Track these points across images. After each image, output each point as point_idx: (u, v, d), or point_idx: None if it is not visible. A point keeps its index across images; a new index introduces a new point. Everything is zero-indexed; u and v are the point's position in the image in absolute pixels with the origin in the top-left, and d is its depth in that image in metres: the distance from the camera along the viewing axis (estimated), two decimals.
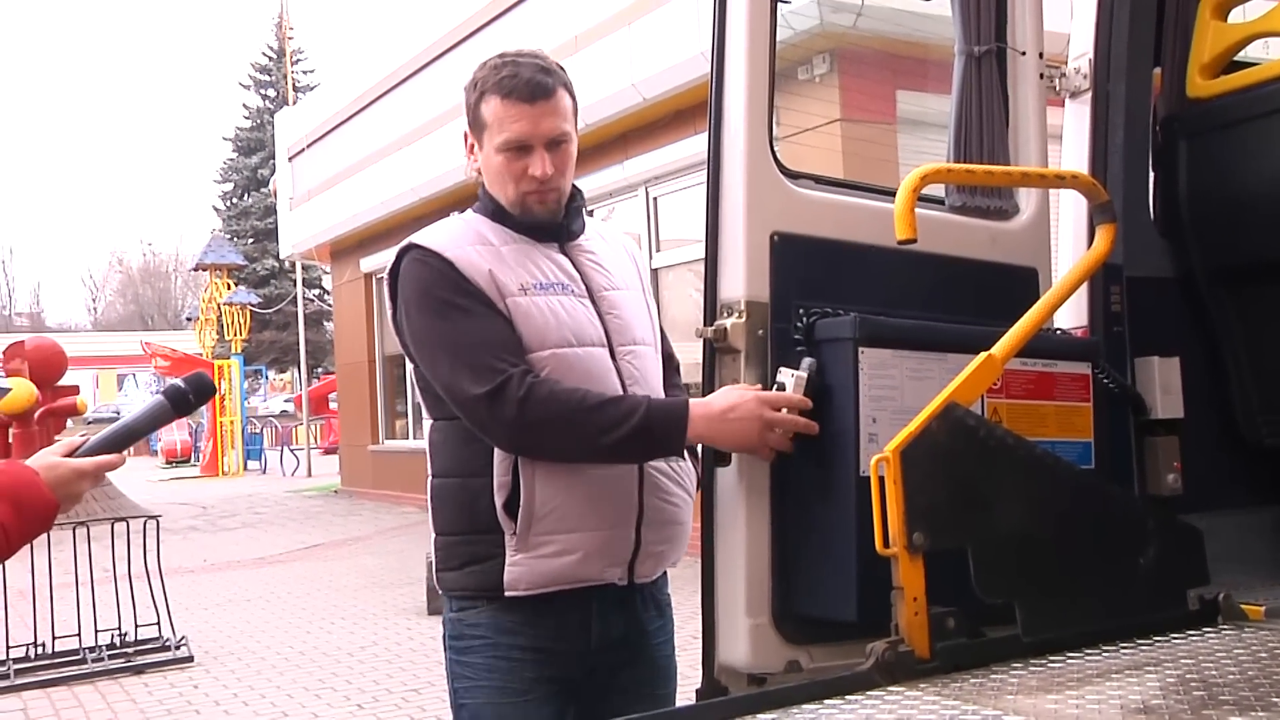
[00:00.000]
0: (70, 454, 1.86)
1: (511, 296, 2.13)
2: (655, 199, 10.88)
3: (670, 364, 2.42)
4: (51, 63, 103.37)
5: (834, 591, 2.07)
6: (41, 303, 66.36)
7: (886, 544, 1.82)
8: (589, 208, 2.45)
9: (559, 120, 2.19)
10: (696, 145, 9.95)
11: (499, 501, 2.12)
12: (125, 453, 1.89)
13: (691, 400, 2.10)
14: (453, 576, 2.21)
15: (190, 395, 1.97)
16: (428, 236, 2.20)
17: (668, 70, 9.51)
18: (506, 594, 2.13)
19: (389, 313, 2.25)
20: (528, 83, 2.16)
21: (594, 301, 2.22)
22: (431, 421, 2.25)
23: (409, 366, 2.27)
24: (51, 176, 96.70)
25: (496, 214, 2.24)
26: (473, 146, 2.27)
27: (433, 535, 2.26)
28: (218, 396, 25.10)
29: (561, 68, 2.25)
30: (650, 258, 10.87)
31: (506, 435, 2.07)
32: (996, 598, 1.88)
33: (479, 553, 2.15)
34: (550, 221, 2.24)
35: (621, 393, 2.15)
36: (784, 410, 2.05)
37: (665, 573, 2.35)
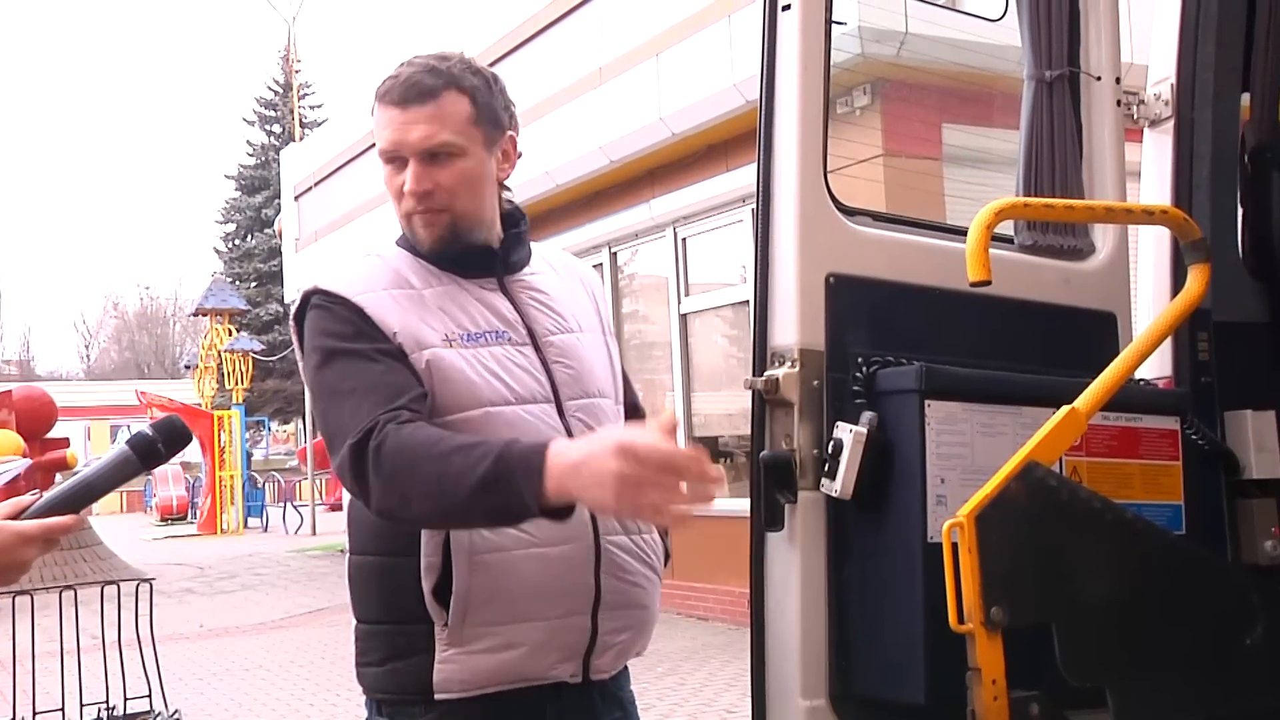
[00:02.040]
0: (17, 515, 1.70)
1: (431, 348, 1.94)
2: (684, 240, 10.86)
3: (636, 415, 2.19)
4: (46, 97, 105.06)
5: (900, 671, 1.99)
6: (31, 350, 66.95)
7: (961, 619, 1.76)
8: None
9: (436, 128, 1.96)
10: (728, 183, 9.95)
11: (427, 586, 1.90)
12: (83, 514, 1.72)
13: (554, 447, 1.72)
14: (373, 674, 1.99)
15: (160, 444, 1.77)
16: (334, 279, 2.01)
17: (698, 103, 9.52)
18: (437, 697, 1.92)
19: (301, 365, 2.05)
20: (403, 84, 1.98)
21: (537, 349, 2.02)
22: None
23: None
24: (44, 216, 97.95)
25: (415, 247, 2.06)
26: None
27: (353, 623, 2.05)
28: (216, 449, 25.21)
29: (476, 69, 2.05)
30: (678, 302, 10.84)
31: (375, 496, 1.81)
32: (1085, 681, 1.80)
33: (403, 646, 1.94)
34: (478, 250, 2.04)
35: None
36: (653, 464, 1.62)
37: (626, 667, 2.11)
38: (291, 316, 2.07)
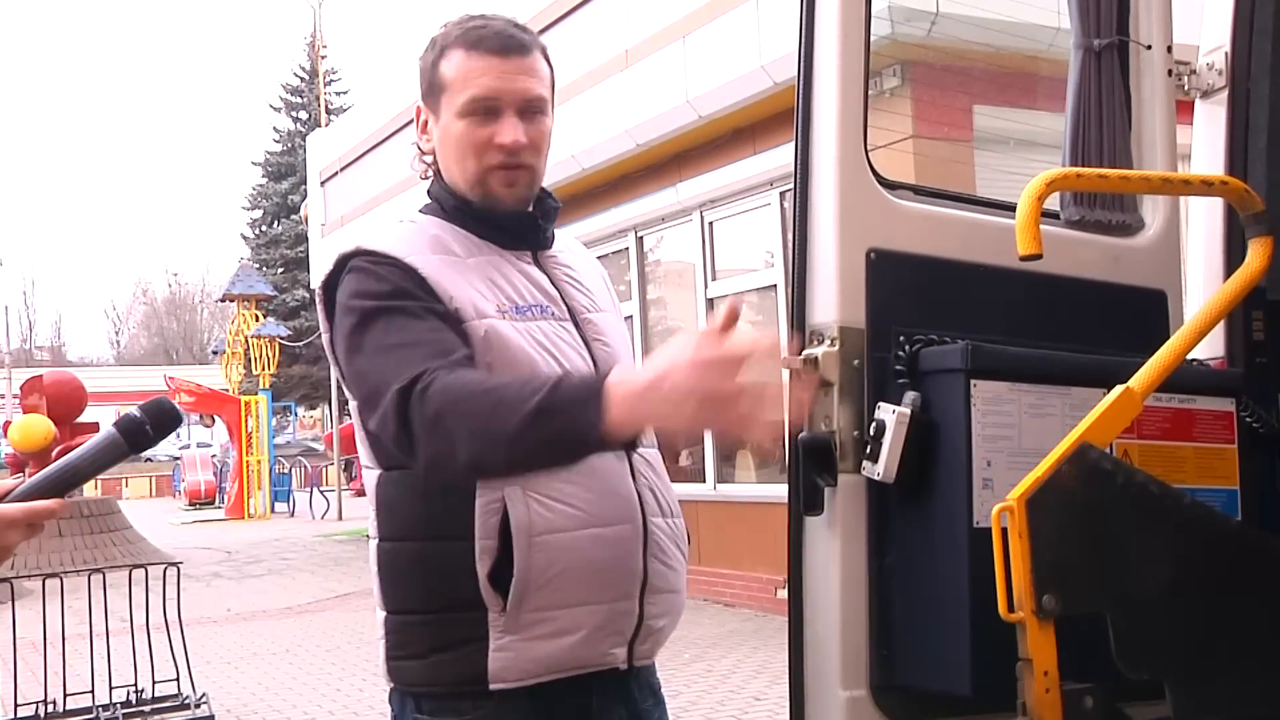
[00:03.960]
0: (0, 499, 1.63)
1: (488, 318, 1.84)
2: (711, 224, 10.77)
3: None
4: (75, 88, 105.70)
5: (945, 661, 1.91)
6: (63, 336, 67.47)
7: (1011, 608, 1.68)
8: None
9: (535, 82, 1.92)
10: (756, 166, 9.86)
11: (482, 571, 1.80)
12: (66, 497, 1.64)
13: (615, 372, 1.56)
14: (414, 667, 1.87)
15: (148, 427, 1.66)
16: (379, 240, 1.90)
17: (725, 86, 9.42)
18: (491, 686, 1.82)
19: (325, 338, 1.94)
20: (499, 34, 1.91)
21: (577, 326, 1.96)
22: (380, 472, 1.91)
23: None
24: (74, 205, 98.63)
25: (456, 212, 1.96)
26: (426, 123, 2.00)
27: (380, 614, 1.92)
28: (244, 434, 25.30)
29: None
30: (705, 287, 10.76)
31: (420, 443, 1.66)
32: (1142, 673, 1.72)
33: (452, 636, 1.83)
34: (520, 216, 1.97)
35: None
36: (736, 371, 1.45)
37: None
38: (322, 282, 1.93)
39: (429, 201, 2.01)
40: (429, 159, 2.01)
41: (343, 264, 1.89)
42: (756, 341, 1.47)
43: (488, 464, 1.67)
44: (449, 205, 1.97)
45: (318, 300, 1.96)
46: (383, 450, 1.87)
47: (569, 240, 2.12)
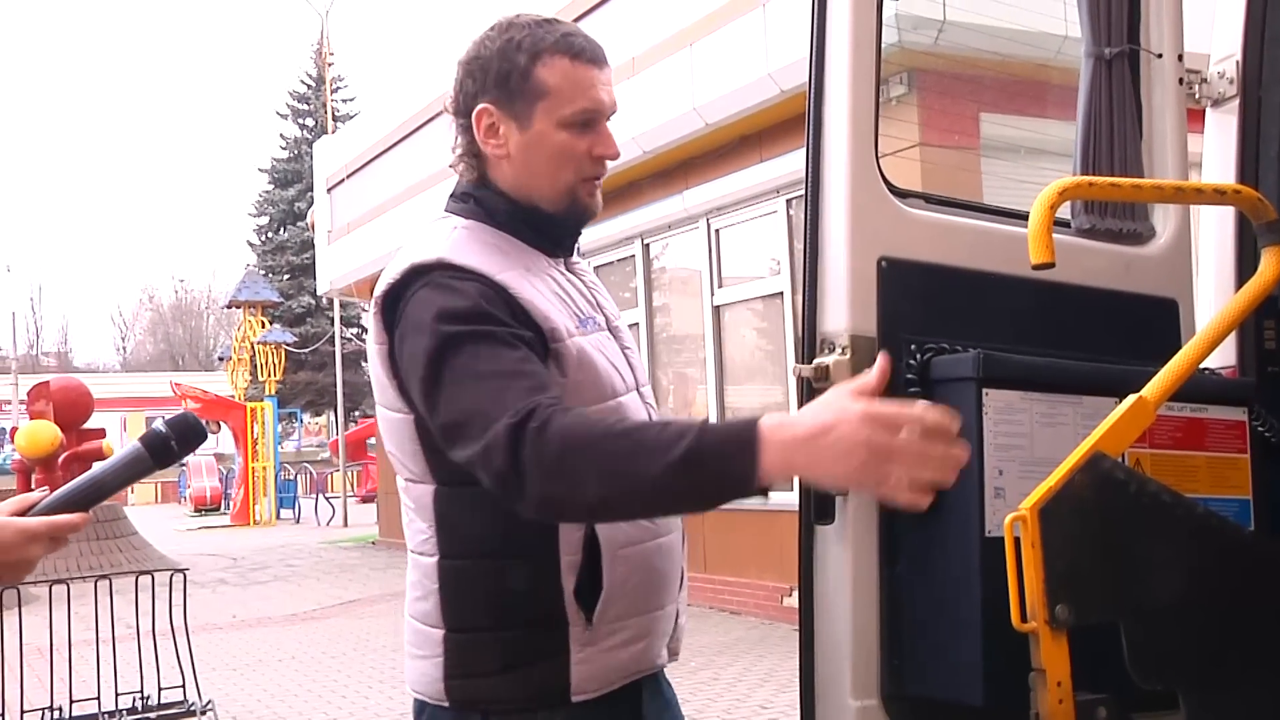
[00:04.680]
0: (23, 512, 1.62)
1: (574, 337, 1.83)
2: (717, 231, 10.77)
3: None
4: (81, 94, 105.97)
5: (956, 670, 1.90)
6: (69, 342, 67.58)
7: (1024, 618, 1.67)
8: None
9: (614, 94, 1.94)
10: (762, 174, 9.86)
11: (569, 586, 1.79)
12: (90, 512, 1.63)
13: (767, 419, 1.54)
14: (482, 684, 1.83)
15: (173, 442, 1.67)
16: (459, 253, 1.82)
17: (732, 93, 9.42)
18: (575, 699, 1.82)
19: (378, 349, 1.85)
20: (592, 44, 1.89)
21: (613, 335, 1.97)
22: (435, 488, 1.85)
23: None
24: (81, 211, 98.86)
25: (509, 218, 1.90)
26: (494, 126, 1.89)
27: (437, 632, 1.86)
28: (249, 441, 25.31)
29: None
30: (711, 294, 10.75)
31: (536, 481, 1.59)
32: (1156, 684, 1.71)
33: (529, 651, 1.81)
34: (570, 225, 1.96)
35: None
36: (905, 431, 1.47)
37: None
38: (386, 290, 1.82)
39: (464, 204, 1.94)
40: (473, 162, 1.94)
41: (415, 275, 1.80)
42: (931, 410, 1.50)
43: (619, 506, 1.65)
44: (500, 210, 1.91)
45: (374, 308, 1.86)
46: (441, 465, 1.81)
47: None
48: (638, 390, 1.96)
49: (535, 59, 1.86)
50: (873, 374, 1.55)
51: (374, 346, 1.87)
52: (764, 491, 1.55)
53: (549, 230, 1.93)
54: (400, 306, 1.80)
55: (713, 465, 1.53)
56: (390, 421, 1.88)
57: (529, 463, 1.58)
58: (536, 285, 1.84)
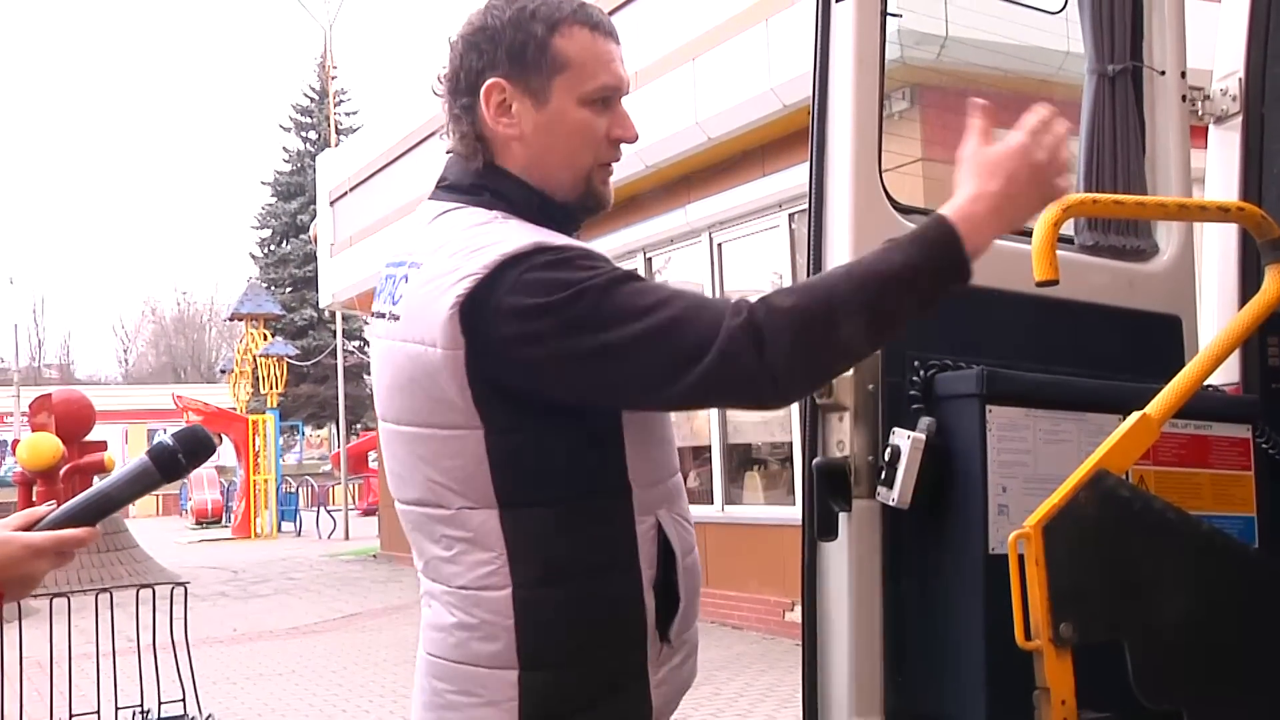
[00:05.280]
0: (30, 526, 1.59)
1: None
2: (720, 245, 10.78)
3: None
4: (84, 106, 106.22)
5: (959, 688, 1.90)
6: (71, 354, 67.55)
7: (1028, 635, 1.66)
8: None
9: None
10: (765, 188, 9.86)
11: (651, 603, 1.66)
12: (98, 526, 1.61)
13: (950, 209, 1.64)
14: None
15: (180, 456, 1.62)
16: (543, 236, 1.64)
17: (735, 108, 9.44)
18: None
19: (447, 354, 1.60)
20: (608, 19, 1.74)
21: None
22: (499, 511, 1.64)
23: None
24: (84, 223, 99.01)
25: (532, 208, 1.71)
26: (505, 103, 1.70)
27: (509, 674, 1.64)
28: (251, 454, 25.30)
29: None
30: None
31: (787, 346, 1.51)
32: (1160, 702, 1.70)
33: (615, 680, 1.66)
34: (581, 215, 1.79)
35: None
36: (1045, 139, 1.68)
37: None
38: (472, 289, 1.58)
39: (478, 195, 1.73)
40: (475, 144, 1.74)
41: (509, 265, 1.58)
42: (1040, 113, 1.69)
43: (869, 337, 1.62)
44: (522, 200, 1.72)
45: (452, 310, 1.59)
46: (513, 484, 1.63)
47: None
48: None
49: (553, 29, 1.69)
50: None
51: (437, 354, 1.61)
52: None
53: (561, 221, 1.73)
54: (496, 301, 1.57)
55: (930, 267, 1.60)
56: (440, 442, 1.65)
57: (772, 335, 1.51)
58: None
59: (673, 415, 1.84)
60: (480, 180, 1.73)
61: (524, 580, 1.64)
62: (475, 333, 1.59)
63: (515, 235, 1.63)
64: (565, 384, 1.60)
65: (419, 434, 1.67)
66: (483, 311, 1.58)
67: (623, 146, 1.76)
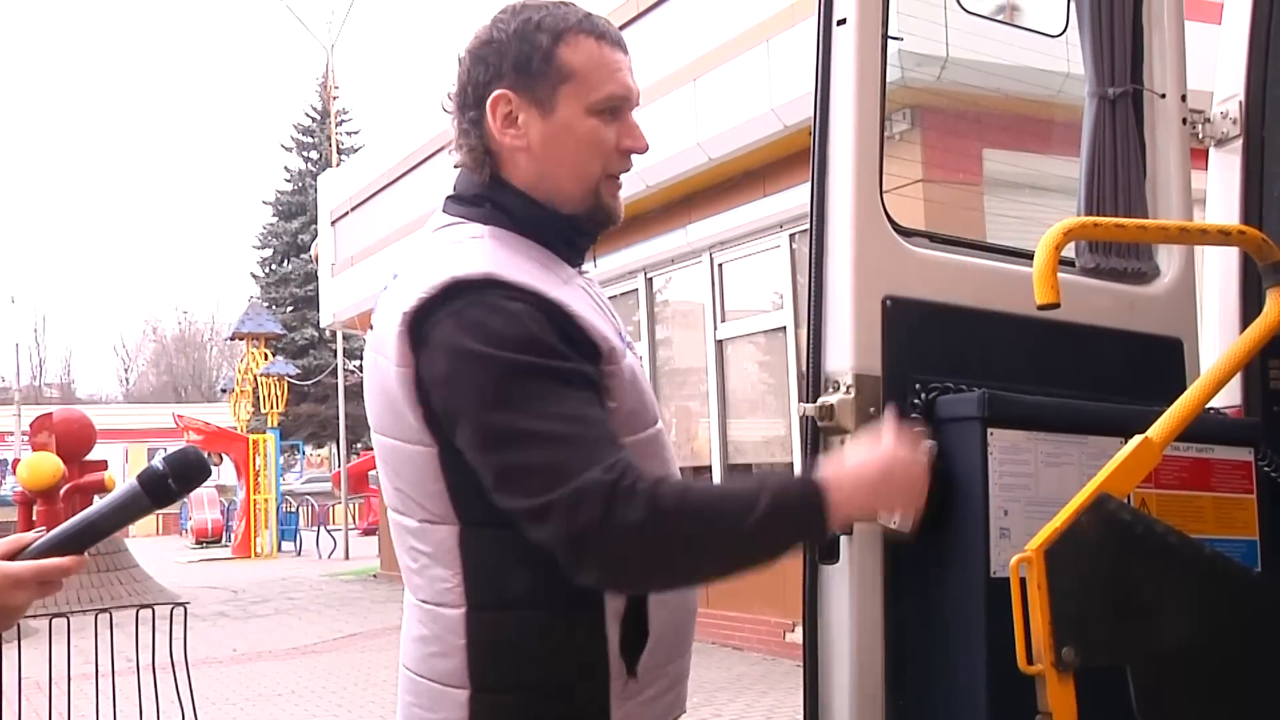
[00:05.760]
0: (15, 554, 1.53)
1: (628, 359, 1.67)
2: (720, 266, 10.79)
3: None
4: (86, 125, 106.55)
5: (961, 713, 1.89)
6: (72, 373, 67.57)
7: (1030, 660, 1.66)
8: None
9: None
10: (766, 209, 9.87)
11: (614, 636, 1.63)
12: (85, 555, 1.54)
13: (821, 471, 1.63)
14: None
15: (171, 480, 1.56)
16: (499, 266, 1.61)
17: (736, 129, 9.46)
18: None
19: (400, 372, 1.61)
20: (615, 29, 1.72)
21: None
22: (460, 528, 1.63)
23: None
24: (85, 242, 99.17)
25: (535, 223, 1.69)
26: (511, 115, 1.69)
27: (460, 693, 1.65)
28: (251, 473, 25.27)
29: None
30: (715, 328, 10.76)
31: (627, 546, 1.52)
32: None
33: (570, 709, 1.65)
34: (591, 230, 1.76)
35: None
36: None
37: None
38: (418, 306, 1.59)
39: (480, 208, 1.72)
40: (481, 157, 1.73)
41: (457, 291, 1.58)
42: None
43: (706, 574, 1.72)
44: (524, 215, 1.70)
45: (399, 325, 1.61)
46: (470, 504, 1.62)
47: None
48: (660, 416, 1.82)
49: (558, 39, 1.67)
50: (887, 423, 1.72)
51: (393, 370, 1.62)
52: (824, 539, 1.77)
53: (569, 235, 1.73)
54: (435, 325, 1.58)
55: (790, 521, 1.60)
56: (403, 455, 1.65)
57: (620, 527, 1.50)
58: (582, 300, 1.67)
59: (670, 439, 1.84)
60: (483, 192, 1.73)
61: (479, 602, 1.64)
62: (419, 353, 1.60)
63: (477, 259, 1.62)
64: (459, 438, 1.60)
65: (388, 443, 1.68)
66: (424, 333, 1.59)
67: (632, 159, 1.75)
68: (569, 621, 1.63)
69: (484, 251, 1.64)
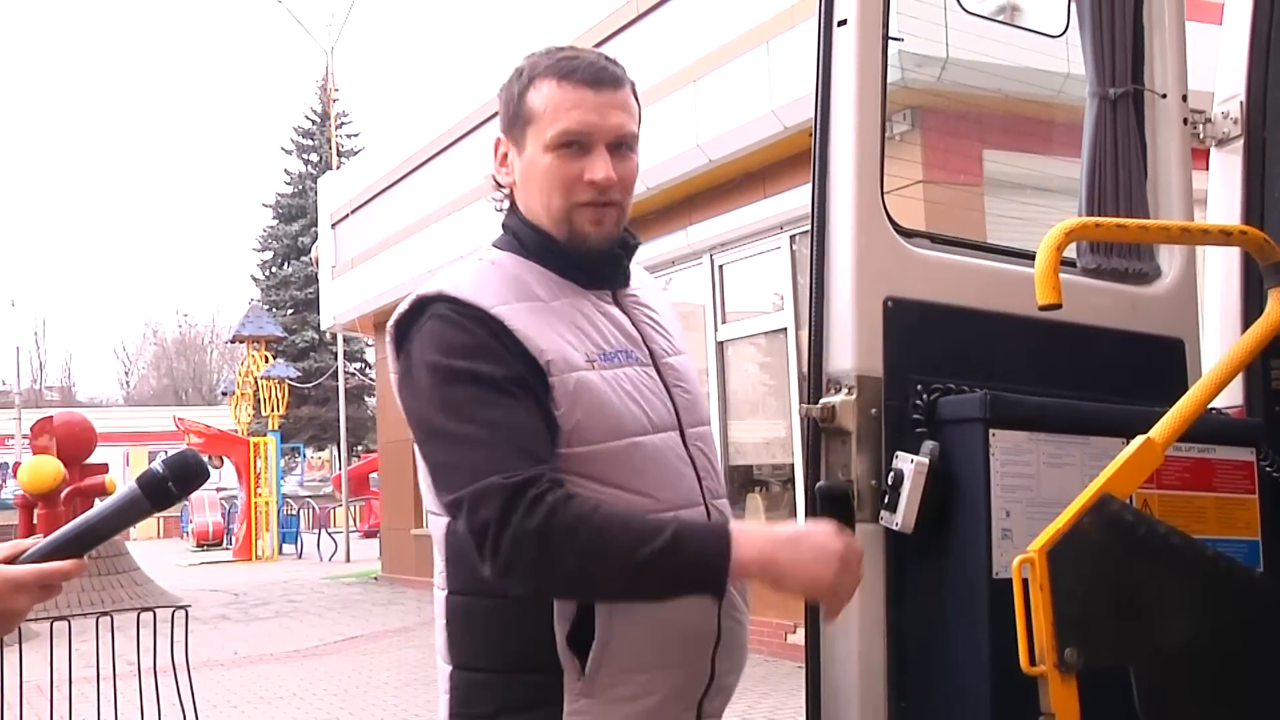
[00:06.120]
0: (14, 558, 1.54)
1: (579, 371, 1.78)
2: (721, 267, 10.79)
3: None
4: (86, 128, 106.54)
5: (964, 714, 1.89)
6: (73, 376, 67.51)
7: (1033, 661, 1.65)
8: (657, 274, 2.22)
9: (626, 117, 1.86)
10: (766, 210, 9.87)
11: (561, 633, 1.75)
12: (85, 557, 1.57)
13: (735, 524, 1.74)
14: None
15: (170, 484, 1.59)
16: (462, 285, 1.81)
17: (736, 130, 9.46)
18: None
19: (393, 376, 1.88)
20: (592, 65, 1.85)
21: (659, 371, 1.89)
22: (449, 520, 1.82)
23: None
24: (85, 245, 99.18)
25: (538, 249, 1.87)
26: (505, 155, 1.91)
27: (446, 667, 1.86)
28: (252, 476, 25.27)
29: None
30: (715, 330, 10.75)
31: (518, 549, 1.65)
32: None
33: (524, 697, 1.78)
34: (604, 254, 1.89)
35: (695, 490, 1.85)
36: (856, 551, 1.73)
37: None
38: (396, 319, 1.84)
39: (503, 235, 1.93)
40: (503, 192, 1.94)
41: (421, 307, 1.81)
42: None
43: (593, 588, 1.73)
44: (529, 241, 1.89)
45: (388, 337, 1.88)
46: None
47: (641, 274, 2.06)
48: (680, 431, 1.87)
49: (529, 84, 1.86)
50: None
51: (391, 375, 1.89)
52: (721, 589, 1.74)
53: (572, 260, 1.87)
54: (404, 336, 1.83)
55: (690, 552, 1.68)
56: (417, 450, 1.87)
57: (513, 530, 1.65)
58: (547, 317, 1.81)
59: (690, 448, 1.89)
60: (506, 220, 1.96)
61: (456, 586, 1.84)
62: (398, 360, 1.85)
63: (451, 278, 1.84)
64: (414, 435, 1.82)
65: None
66: (399, 342, 1.85)
67: (605, 190, 1.85)
68: (521, 612, 1.77)
69: (464, 270, 1.86)
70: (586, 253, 1.87)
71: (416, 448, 1.82)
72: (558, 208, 1.85)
